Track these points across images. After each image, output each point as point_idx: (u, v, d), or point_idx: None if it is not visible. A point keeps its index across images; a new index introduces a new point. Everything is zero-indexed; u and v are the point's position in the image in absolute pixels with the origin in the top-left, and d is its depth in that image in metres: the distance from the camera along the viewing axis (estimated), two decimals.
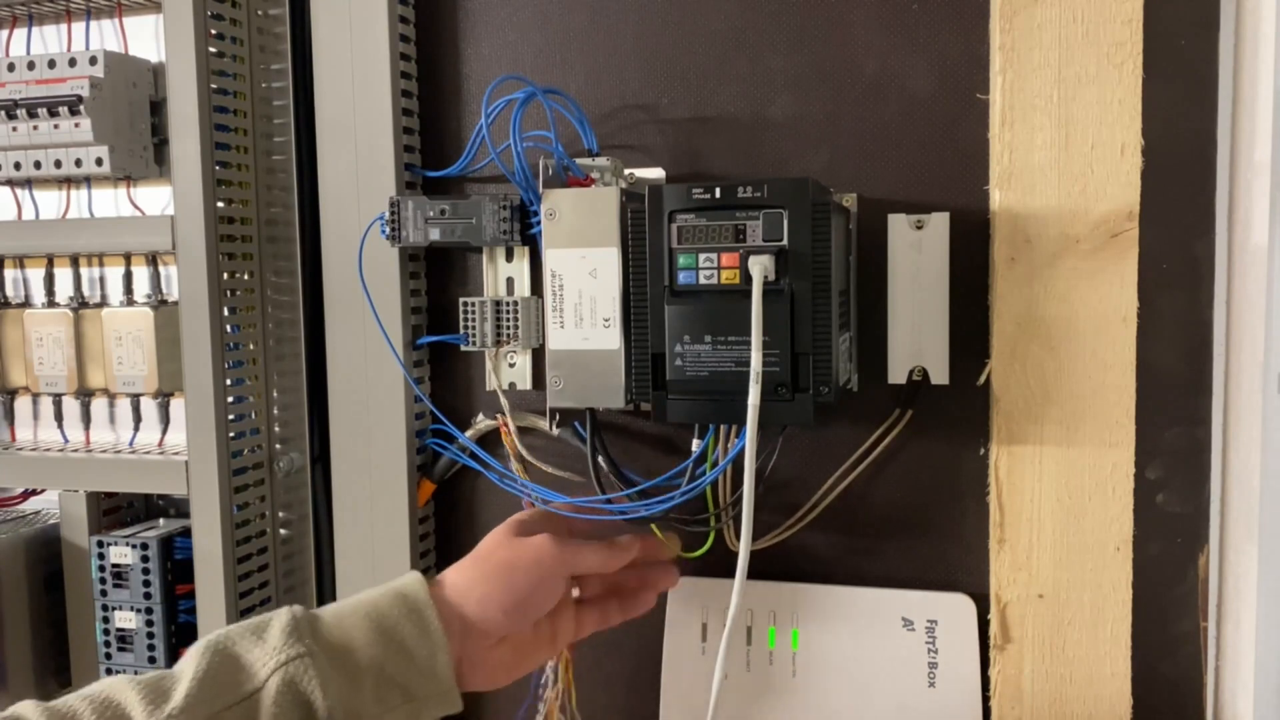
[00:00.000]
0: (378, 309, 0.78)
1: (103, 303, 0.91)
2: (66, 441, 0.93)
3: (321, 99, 0.79)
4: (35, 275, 0.93)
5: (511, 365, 0.80)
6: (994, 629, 0.71)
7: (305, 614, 0.56)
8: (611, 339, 0.69)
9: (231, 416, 0.81)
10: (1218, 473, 0.68)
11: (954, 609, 0.72)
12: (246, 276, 0.82)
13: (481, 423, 0.80)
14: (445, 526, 0.84)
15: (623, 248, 0.68)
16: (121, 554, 0.84)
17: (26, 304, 0.93)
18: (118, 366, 0.87)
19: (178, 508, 0.92)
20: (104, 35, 0.90)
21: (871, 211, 0.72)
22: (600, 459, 0.74)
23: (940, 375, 0.72)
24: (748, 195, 0.62)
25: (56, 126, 0.83)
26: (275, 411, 0.85)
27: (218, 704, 0.50)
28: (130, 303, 0.88)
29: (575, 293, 0.70)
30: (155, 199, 0.90)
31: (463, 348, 0.79)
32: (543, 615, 0.64)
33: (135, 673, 0.63)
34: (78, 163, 0.84)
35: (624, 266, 0.68)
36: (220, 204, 0.79)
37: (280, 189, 0.83)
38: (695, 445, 0.71)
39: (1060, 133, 0.67)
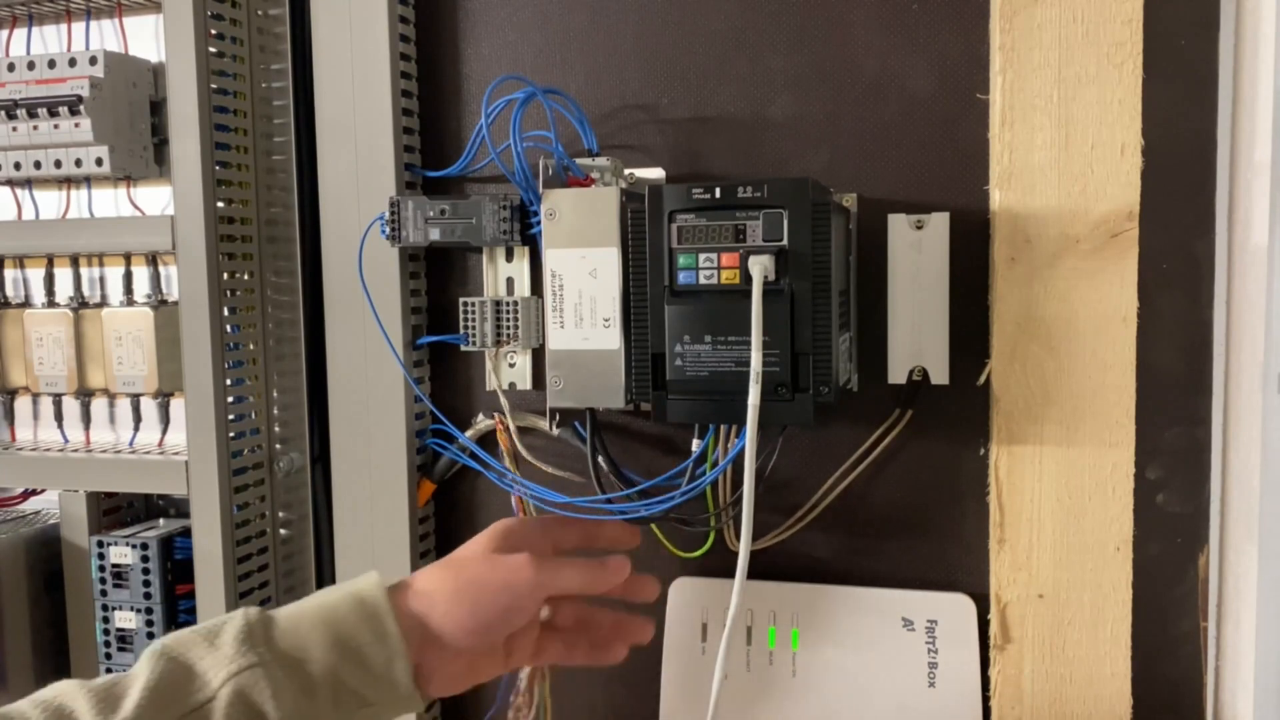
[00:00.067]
0: (378, 309, 0.78)
1: (103, 303, 0.91)
2: (66, 441, 0.93)
3: (321, 99, 0.79)
4: (35, 275, 0.93)
5: (511, 365, 0.80)
6: (994, 629, 0.71)
7: (260, 618, 0.54)
8: (611, 339, 0.69)
9: (231, 416, 0.81)
10: (1218, 473, 0.68)
11: (954, 609, 0.72)
12: (246, 276, 0.82)
13: (481, 423, 0.80)
14: (445, 526, 0.84)
15: (623, 248, 0.68)
16: (121, 554, 0.84)
17: (26, 304, 0.93)
18: (118, 366, 0.87)
19: (178, 508, 0.92)
20: (104, 35, 0.90)
21: (871, 211, 0.72)
22: (600, 459, 0.74)
23: (940, 375, 0.72)
24: (748, 195, 0.62)
25: (56, 126, 0.83)
26: (275, 411, 0.85)
27: (168, 714, 0.49)
28: (130, 303, 0.88)
29: (575, 293, 0.70)
30: (155, 199, 0.90)
31: (463, 348, 0.79)
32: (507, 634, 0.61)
33: None
34: (78, 163, 0.84)
35: (624, 266, 0.68)
36: (220, 204, 0.79)
37: (280, 189, 0.83)
38: (695, 445, 0.71)
39: (1060, 133, 0.67)
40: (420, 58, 0.81)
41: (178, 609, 0.85)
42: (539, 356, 0.79)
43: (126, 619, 0.85)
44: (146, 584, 0.84)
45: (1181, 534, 0.69)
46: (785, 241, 0.61)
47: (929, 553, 0.74)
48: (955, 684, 0.72)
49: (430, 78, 0.81)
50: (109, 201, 0.91)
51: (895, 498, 0.74)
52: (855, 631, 0.74)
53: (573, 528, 0.68)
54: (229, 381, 0.80)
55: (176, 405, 0.88)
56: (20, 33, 0.91)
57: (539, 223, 0.71)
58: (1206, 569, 0.69)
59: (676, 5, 0.76)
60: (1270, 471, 0.64)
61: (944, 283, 0.71)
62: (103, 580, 0.85)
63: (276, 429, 0.85)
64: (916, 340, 0.72)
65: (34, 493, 0.95)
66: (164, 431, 0.90)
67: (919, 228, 0.71)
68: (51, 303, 0.91)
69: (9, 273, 0.94)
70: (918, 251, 0.71)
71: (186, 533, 0.84)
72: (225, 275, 0.80)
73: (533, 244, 0.77)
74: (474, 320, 0.78)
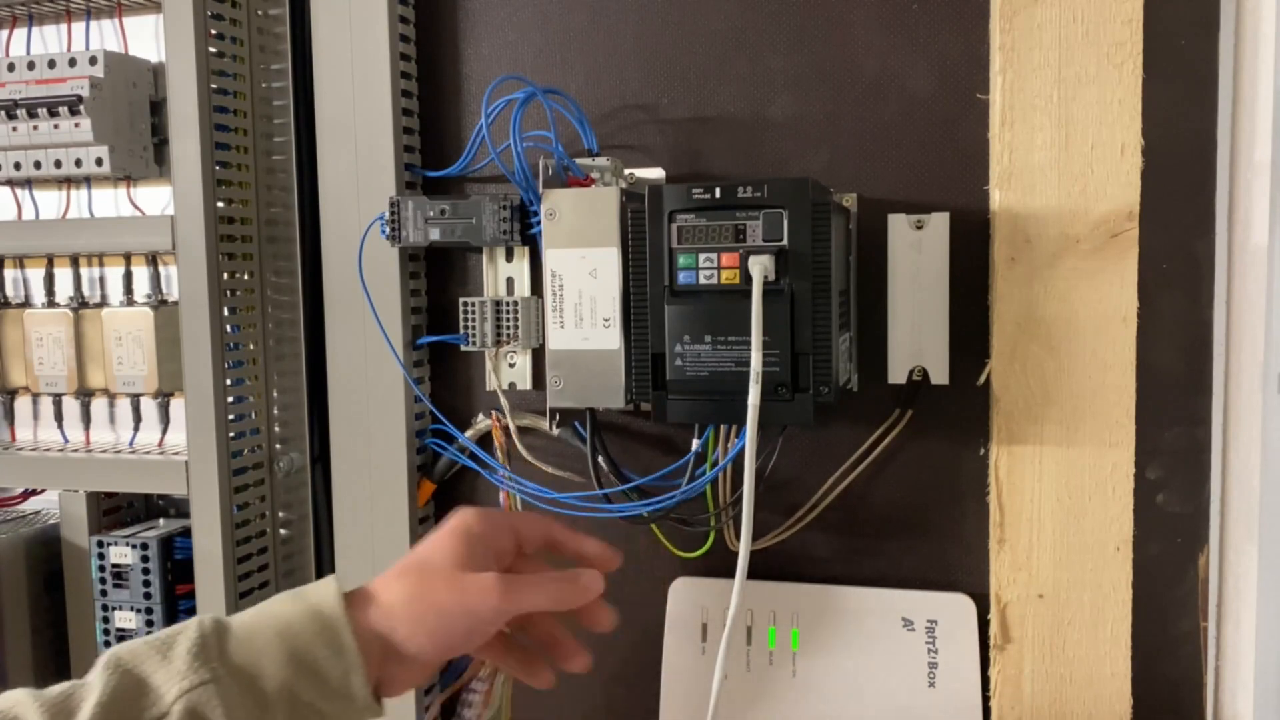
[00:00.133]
0: (378, 309, 0.78)
1: (103, 303, 0.91)
2: (66, 441, 0.93)
3: (321, 99, 0.79)
4: (35, 275, 0.93)
5: (511, 365, 0.80)
6: (994, 629, 0.71)
7: (214, 629, 0.53)
8: (611, 339, 0.69)
9: (231, 416, 0.81)
10: (1218, 473, 0.68)
11: (954, 609, 0.72)
12: (246, 276, 0.82)
13: (481, 423, 0.80)
14: None
15: (623, 248, 0.68)
16: (121, 554, 0.84)
17: (26, 304, 0.93)
18: (118, 366, 0.87)
19: (178, 508, 0.92)
20: (104, 35, 0.90)
21: (871, 211, 0.72)
22: (600, 459, 0.74)
23: (940, 375, 0.72)
24: (748, 195, 0.62)
25: (56, 126, 0.83)
26: (275, 411, 0.85)
27: None
28: (130, 303, 0.88)
29: (575, 293, 0.70)
30: (155, 199, 0.90)
31: (463, 348, 0.79)
32: None
33: None
34: (78, 163, 0.84)
35: (624, 266, 0.68)
36: (220, 204, 0.79)
37: (280, 189, 0.83)
38: (695, 445, 0.71)
39: (1060, 133, 0.67)
40: (420, 58, 0.81)
41: (178, 609, 0.85)
42: (539, 356, 0.79)
43: (126, 619, 0.85)
44: (146, 584, 0.84)
45: (1181, 534, 0.69)
46: (785, 241, 0.61)
47: (929, 553, 0.74)
48: (955, 684, 0.72)
49: (430, 78, 0.81)
50: (109, 201, 0.91)
51: (895, 498, 0.74)
52: (855, 631, 0.74)
53: (538, 527, 0.64)
54: (229, 381, 0.80)
55: (176, 405, 0.88)
56: (20, 33, 0.91)
57: (539, 223, 0.71)
58: (1206, 569, 0.69)
59: (676, 5, 0.76)
60: (1270, 471, 0.64)
61: (944, 283, 0.71)
62: (103, 580, 0.85)
63: (276, 429, 0.85)
64: (916, 340, 0.72)
65: (34, 493, 0.95)
66: (164, 431, 0.90)
67: (919, 228, 0.71)
68: (51, 303, 0.91)
69: (9, 273, 0.94)
70: (918, 251, 0.71)
71: (186, 533, 0.84)
72: (225, 275, 0.80)
73: (533, 244, 0.77)
74: (474, 320, 0.78)
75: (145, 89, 0.87)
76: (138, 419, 0.89)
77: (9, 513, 0.96)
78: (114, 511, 0.90)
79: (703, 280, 0.63)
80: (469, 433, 0.81)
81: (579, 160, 0.72)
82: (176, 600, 0.85)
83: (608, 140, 0.77)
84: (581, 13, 0.77)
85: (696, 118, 0.76)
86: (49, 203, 0.92)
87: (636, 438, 0.78)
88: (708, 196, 0.62)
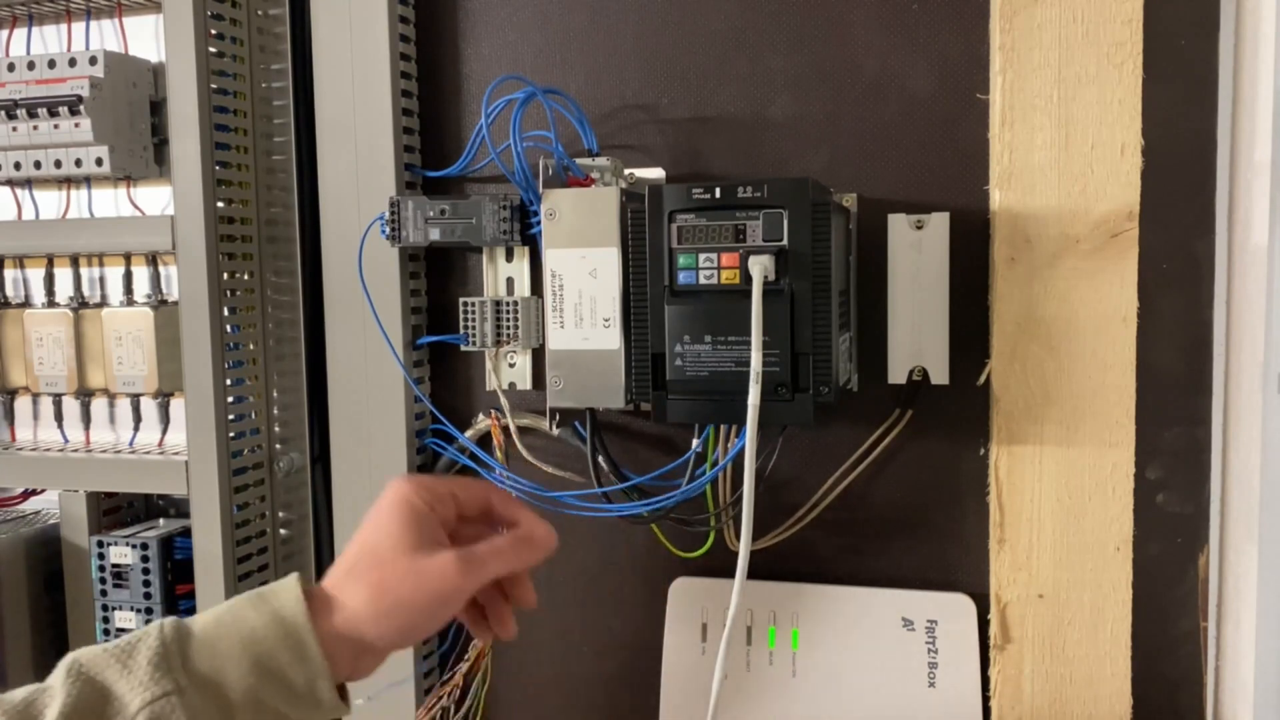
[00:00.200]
0: (378, 309, 0.78)
1: (103, 303, 0.91)
2: (66, 441, 0.93)
3: (321, 99, 0.79)
4: (35, 275, 0.93)
5: (511, 365, 0.80)
6: (994, 629, 0.71)
7: (176, 636, 0.52)
8: (611, 339, 0.69)
9: (231, 416, 0.81)
10: (1218, 473, 0.68)
11: (954, 609, 0.72)
12: (246, 276, 0.82)
13: (481, 423, 0.80)
14: None
15: (623, 248, 0.68)
16: (121, 554, 0.84)
17: (26, 304, 0.93)
18: (118, 366, 0.87)
19: (178, 508, 0.92)
20: (104, 35, 0.90)
21: (871, 211, 0.72)
22: (600, 459, 0.74)
23: (940, 375, 0.72)
24: (748, 195, 0.62)
25: (56, 126, 0.83)
26: (275, 411, 0.85)
27: None
28: (130, 303, 0.88)
29: (575, 293, 0.70)
30: (155, 199, 0.90)
31: (463, 348, 0.79)
32: None
33: None
34: (78, 163, 0.84)
35: (624, 266, 0.68)
36: (220, 204, 0.79)
37: (280, 189, 0.83)
38: (695, 445, 0.71)
39: (1060, 133, 0.67)
40: (420, 58, 0.81)
41: (178, 609, 0.85)
42: (539, 356, 0.79)
43: (126, 619, 0.85)
44: (146, 584, 0.84)
45: (1181, 534, 0.69)
46: (785, 241, 0.61)
47: (929, 553, 0.74)
48: (955, 684, 0.72)
49: (430, 78, 0.81)
50: (109, 201, 0.91)
51: (895, 498, 0.74)
52: (855, 631, 0.74)
53: (477, 491, 0.61)
54: (229, 381, 0.80)
55: (176, 405, 0.88)
56: (20, 33, 0.91)
57: (539, 223, 0.71)
58: (1206, 569, 0.69)
59: (676, 5, 0.76)
60: (1270, 471, 0.64)
61: (944, 283, 0.71)
62: (103, 580, 0.85)
63: (276, 429, 0.85)
64: (916, 340, 0.72)
65: (34, 493, 0.95)
66: (164, 431, 0.90)
67: (919, 228, 0.71)
68: (51, 303, 0.91)
69: (9, 273, 0.94)
70: (918, 251, 0.71)
71: (186, 533, 0.84)
72: (225, 275, 0.80)
73: (533, 244, 0.77)
74: (474, 320, 0.78)
75: (145, 89, 0.87)
76: (138, 419, 0.90)
77: (9, 513, 0.96)
78: (114, 511, 0.90)
79: (703, 280, 0.63)
80: (469, 433, 0.81)
81: (579, 160, 0.72)
82: (176, 600, 0.85)
83: (608, 140, 0.77)
84: (581, 13, 0.77)
85: (696, 118, 0.76)
86: (49, 203, 0.92)
87: (636, 437, 0.78)
88: (708, 196, 0.62)
